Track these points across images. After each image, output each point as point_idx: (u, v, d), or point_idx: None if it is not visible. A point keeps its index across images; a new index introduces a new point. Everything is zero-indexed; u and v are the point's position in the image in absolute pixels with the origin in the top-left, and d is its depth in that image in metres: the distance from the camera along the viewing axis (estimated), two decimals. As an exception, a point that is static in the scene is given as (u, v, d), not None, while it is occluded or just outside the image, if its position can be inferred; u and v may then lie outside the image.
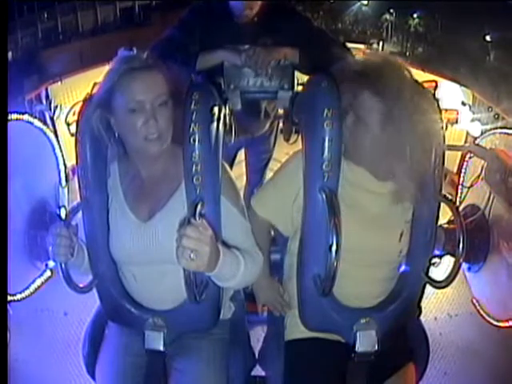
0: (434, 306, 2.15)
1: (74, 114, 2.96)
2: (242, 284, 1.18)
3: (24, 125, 1.99)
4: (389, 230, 1.14)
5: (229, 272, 1.05)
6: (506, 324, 1.86)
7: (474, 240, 1.91)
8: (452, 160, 2.59)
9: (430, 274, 1.16)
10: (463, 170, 2.27)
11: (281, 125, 2.15)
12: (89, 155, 1.12)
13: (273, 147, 2.18)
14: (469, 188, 2.10)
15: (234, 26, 1.63)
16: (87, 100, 1.13)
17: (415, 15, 20.48)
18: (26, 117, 2.01)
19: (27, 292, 1.96)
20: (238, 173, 2.21)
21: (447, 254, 1.26)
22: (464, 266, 2.12)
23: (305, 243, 1.14)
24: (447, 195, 1.17)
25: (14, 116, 1.90)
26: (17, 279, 1.87)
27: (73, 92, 3.09)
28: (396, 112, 1.01)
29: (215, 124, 1.07)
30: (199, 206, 0.97)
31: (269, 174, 2.45)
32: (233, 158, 2.03)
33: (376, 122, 1.04)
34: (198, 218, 0.94)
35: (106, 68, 1.10)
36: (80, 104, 1.15)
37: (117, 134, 1.11)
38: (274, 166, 3.23)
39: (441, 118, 1.09)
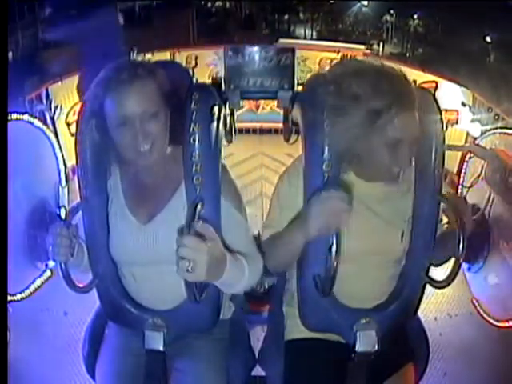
0: (434, 306, 2.16)
1: (74, 113, 2.98)
2: (245, 288, 1.13)
3: (24, 125, 1.99)
4: (390, 231, 1.13)
5: (233, 278, 1.02)
6: (506, 324, 1.87)
7: (474, 240, 1.91)
8: (452, 160, 2.59)
9: (430, 273, 1.16)
10: (463, 170, 2.27)
11: None
12: (89, 155, 1.12)
13: None
14: (469, 188, 2.11)
15: None
16: (83, 104, 1.11)
17: (415, 16, 20.45)
18: (26, 117, 2.01)
19: (27, 292, 1.97)
20: (237, 174, 2.21)
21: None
22: (464, 265, 2.13)
23: (305, 243, 1.13)
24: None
25: (13, 116, 1.91)
26: (17, 279, 1.87)
27: (73, 92, 3.10)
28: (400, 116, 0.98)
29: (215, 124, 1.07)
30: (199, 206, 0.97)
31: (263, 171, 2.44)
32: None
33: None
34: (197, 219, 0.92)
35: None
36: (80, 104, 1.15)
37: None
38: (271, 164, 3.24)
39: (441, 118, 1.09)
